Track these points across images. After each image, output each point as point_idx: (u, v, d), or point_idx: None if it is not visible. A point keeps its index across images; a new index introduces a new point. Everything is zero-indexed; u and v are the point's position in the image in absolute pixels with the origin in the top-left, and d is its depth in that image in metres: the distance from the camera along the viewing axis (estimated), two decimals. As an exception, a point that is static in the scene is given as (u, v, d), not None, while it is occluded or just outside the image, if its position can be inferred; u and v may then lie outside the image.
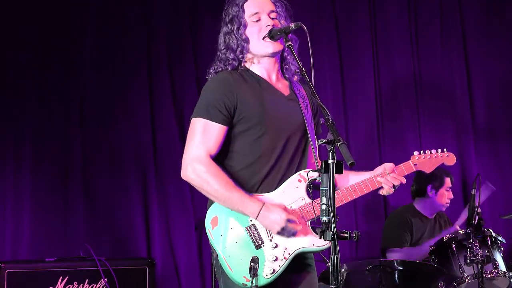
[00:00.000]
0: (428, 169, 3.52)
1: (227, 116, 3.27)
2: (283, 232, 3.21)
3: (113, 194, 5.86)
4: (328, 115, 2.95)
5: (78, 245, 5.40)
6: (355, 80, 6.60)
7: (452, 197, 5.86)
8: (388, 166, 3.41)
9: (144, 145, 5.96)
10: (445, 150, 3.57)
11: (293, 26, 3.24)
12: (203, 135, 3.26)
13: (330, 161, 2.83)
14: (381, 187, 3.38)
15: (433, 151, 3.55)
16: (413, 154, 3.52)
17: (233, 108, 3.27)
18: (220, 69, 3.40)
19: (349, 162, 2.77)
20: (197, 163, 3.24)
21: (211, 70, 3.44)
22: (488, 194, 5.49)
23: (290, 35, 3.30)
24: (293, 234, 3.22)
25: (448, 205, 5.87)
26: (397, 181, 3.36)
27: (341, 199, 3.30)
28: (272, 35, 3.32)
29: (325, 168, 2.84)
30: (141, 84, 6.03)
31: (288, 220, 3.21)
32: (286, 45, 3.26)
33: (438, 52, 6.75)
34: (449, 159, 3.56)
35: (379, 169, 3.43)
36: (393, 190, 3.38)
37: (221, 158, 3.32)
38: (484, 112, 6.75)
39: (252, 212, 3.21)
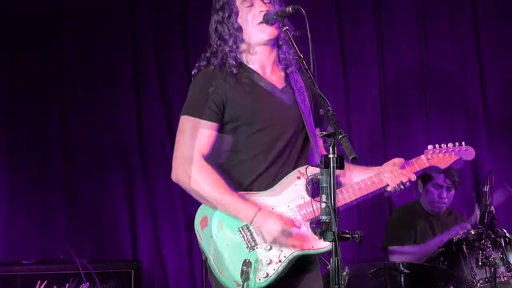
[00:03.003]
0: (443, 165, 3.39)
1: (217, 113, 3.19)
2: (277, 240, 3.11)
3: (96, 191, 5.77)
4: (328, 106, 2.85)
5: (58, 246, 5.27)
6: (358, 70, 6.52)
7: (445, 196, 5.66)
8: (397, 161, 3.32)
9: (129, 140, 5.86)
10: (463, 143, 3.45)
11: (290, 9, 3.11)
12: (194, 134, 3.19)
13: (331, 155, 2.71)
14: (388, 185, 3.25)
15: (450, 144, 3.43)
16: (427, 148, 3.40)
17: (222, 104, 3.19)
18: (217, 63, 3.28)
19: (351, 157, 2.67)
20: (188, 164, 3.16)
21: (203, 63, 3.33)
22: (505, 197, 5.38)
23: (286, 19, 3.19)
24: (286, 245, 3.12)
25: (439, 205, 5.69)
26: (405, 178, 3.23)
27: (344, 198, 3.20)
28: (267, 19, 3.20)
29: (325, 163, 2.72)
30: (127, 74, 5.91)
31: (283, 231, 3.10)
32: (283, 29, 3.13)
33: (447, 41, 6.66)
34: (467, 153, 3.43)
35: (387, 165, 3.31)
36: (401, 188, 3.26)
37: (212, 157, 3.23)
38: (496, 103, 6.66)
39: (245, 217, 3.13)
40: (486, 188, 4.68)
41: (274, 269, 3.08)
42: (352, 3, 6.55)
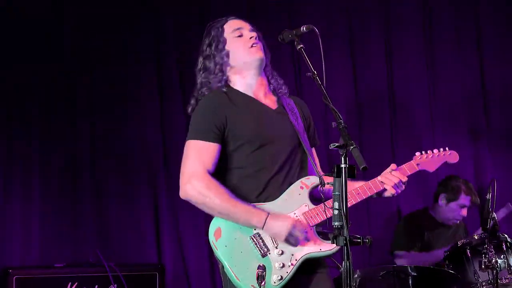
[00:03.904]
0: (431, 168, 3.57)
1: (218, 134, 3.33)
2: (289, 239, 3.25)
3: (122, 198, 5.84)
4: (340, 119, 2.93)
5: (87, 250, 5.40)
6: (367, 84, 6.58)
7: (465, 215, 5.81)
8: (390, 165, 3.45)
9: (154, 147, 5.96)
10: (447, 148, 3.62)
11: (304, 28, 3.24)
12: (198, 154, 3.31)
13: (343, 165, 2.82)
14: (385, 189, 3.40)
15: (435, 150, 3.60)
16: (415, 155, 3.54)
17: (223, 127, 3.33)
18: (205, 93, 3.44)
19: (362, 166, 2.77)
20: (195, 180, 3.28)
21: (194, 94, 3.51)
22: (506, 213, 5.62)
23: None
24: (300, 241, 3.26)
25: (457, 221, 5.86)
26: (397, 179, 3.36)
27: None
28: (283, 37, 3.31)
29: (337, 172, 2.82)
30: (150, 84, 6.03)
31: (294, 227, 3.25)
32: (298, 48, 3.23)
33: (451, 55, 6.70)
34: (451, 157, 3.62)
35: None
36: (395, 190, 3.39)
37: (218, 175, 3.35)
38: (499, 115, 6.69)
39: (258, 222, 3.25)
40: (489, 196, 4.70)
41: (287, 272, 3.24)
42: (362, 23, 6.57)
